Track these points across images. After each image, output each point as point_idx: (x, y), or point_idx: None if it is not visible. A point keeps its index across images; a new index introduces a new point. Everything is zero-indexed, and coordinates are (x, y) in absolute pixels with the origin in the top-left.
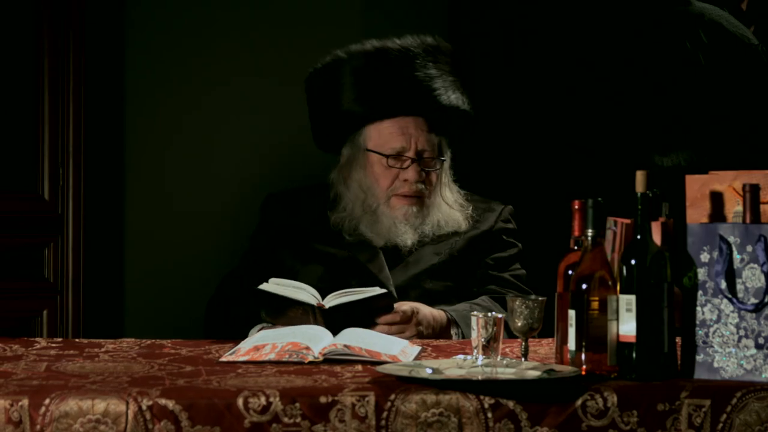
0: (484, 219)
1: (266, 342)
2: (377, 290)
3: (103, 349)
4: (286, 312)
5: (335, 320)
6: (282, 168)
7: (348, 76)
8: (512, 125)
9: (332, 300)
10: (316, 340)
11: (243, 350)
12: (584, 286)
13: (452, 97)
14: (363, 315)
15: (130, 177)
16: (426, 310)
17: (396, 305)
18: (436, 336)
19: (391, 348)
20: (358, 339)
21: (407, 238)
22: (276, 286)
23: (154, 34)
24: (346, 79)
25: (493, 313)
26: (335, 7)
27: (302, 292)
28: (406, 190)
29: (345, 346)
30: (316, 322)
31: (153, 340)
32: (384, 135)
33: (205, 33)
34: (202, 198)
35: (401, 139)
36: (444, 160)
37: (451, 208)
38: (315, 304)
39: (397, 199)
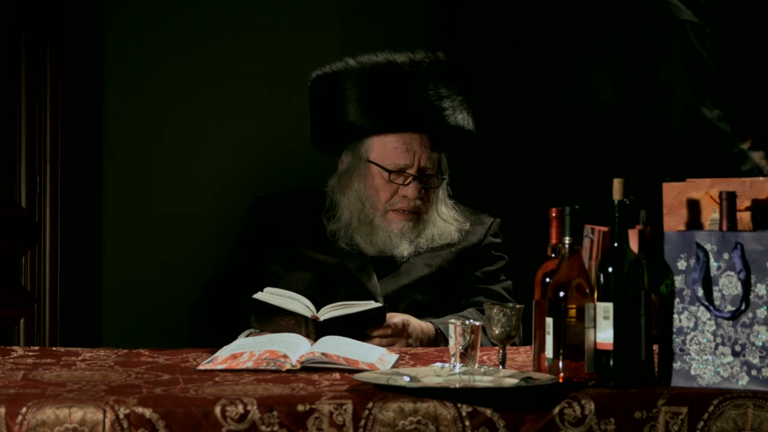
0: (474, 231)
1: (244, 350)
2: (372, 304)
3: (80, 358)
4: (277, 321)
5: (328, 332)
6: (263, 174)
7: (356, 85)
8: (494, 135)
9: (327, 312)
10: (293, 348)
11: (220, 358)
12: (561, 294)
13: (459, 117)
14: (355, 327)
15: (108, 185)
16: (415, 323)
17: (387, 317)
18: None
19: (368, 356)
20: (335, 347)
21: (403, 249)
22: (270, 295)
23: (134, 42)
24: (354, 89)
25: (471, 320)
26: (315, 17)
27: (296, 303)
28: (404, 206)
29: (323, 354)
30: (307, 334)
31: (130, 349)
32: (388, 149)
33: (185, 41)
34: (182, 206)
35: (405, 155)
36: (444, 179)
37: (446, 222)
38: (309, 316)
39: (394, 213)
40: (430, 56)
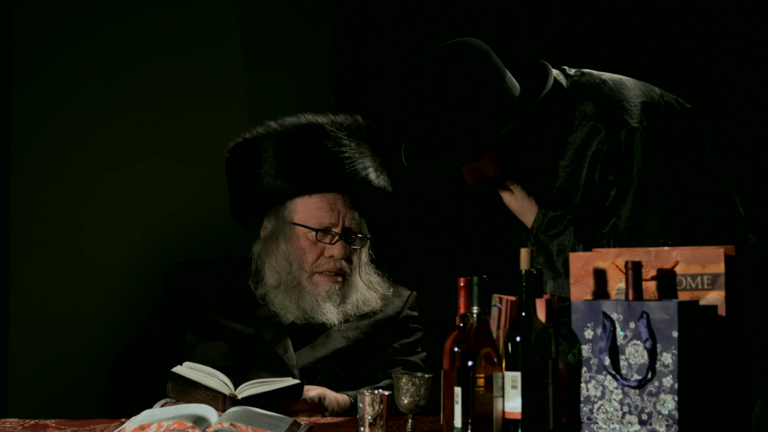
0: (390, 303)
1: (152, 421)
2: (289, 380)
3: None
4: (194, 394)
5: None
6: (183, 239)
7: (276, 149)
8: (408, 203)
9: (245, 390)
10: (202, 419)
11: (128, 430)
12: (470, 363)
13: (380, 179)
14: (272, 402)
15: (14, 256)
16: (331, 395)
17: (304, 389)
18: None
19: (277, 426)
20: (244, 417)
21: (331, 316)
22: (190, 370)
23: (43, 106)
24: (273, 153)
25: (380, 390)
26: (224, 91)
27: (215, 379)
28: (330, 267)
29: (231, 424)
30: (224, 409)
31: (37, 420)
32: (312, 209)
33: (96, 112)
34: (100, 265)
35: (330, 214)
36: (369, 238)
37: (368, 289)
38: (228, 394)
39: (320, 276)
40: (350, 118)
